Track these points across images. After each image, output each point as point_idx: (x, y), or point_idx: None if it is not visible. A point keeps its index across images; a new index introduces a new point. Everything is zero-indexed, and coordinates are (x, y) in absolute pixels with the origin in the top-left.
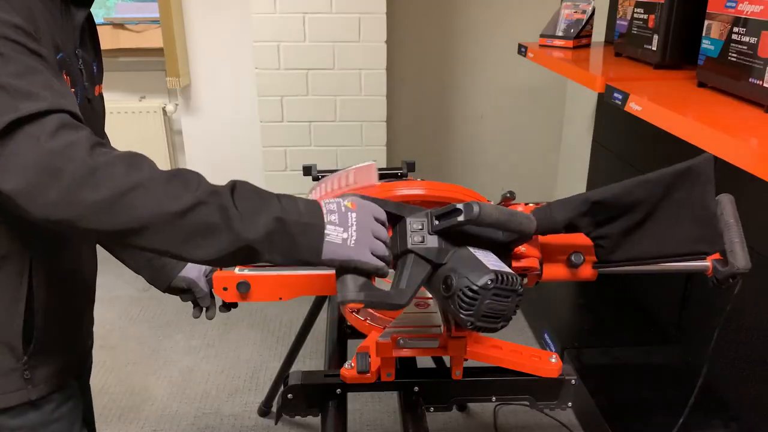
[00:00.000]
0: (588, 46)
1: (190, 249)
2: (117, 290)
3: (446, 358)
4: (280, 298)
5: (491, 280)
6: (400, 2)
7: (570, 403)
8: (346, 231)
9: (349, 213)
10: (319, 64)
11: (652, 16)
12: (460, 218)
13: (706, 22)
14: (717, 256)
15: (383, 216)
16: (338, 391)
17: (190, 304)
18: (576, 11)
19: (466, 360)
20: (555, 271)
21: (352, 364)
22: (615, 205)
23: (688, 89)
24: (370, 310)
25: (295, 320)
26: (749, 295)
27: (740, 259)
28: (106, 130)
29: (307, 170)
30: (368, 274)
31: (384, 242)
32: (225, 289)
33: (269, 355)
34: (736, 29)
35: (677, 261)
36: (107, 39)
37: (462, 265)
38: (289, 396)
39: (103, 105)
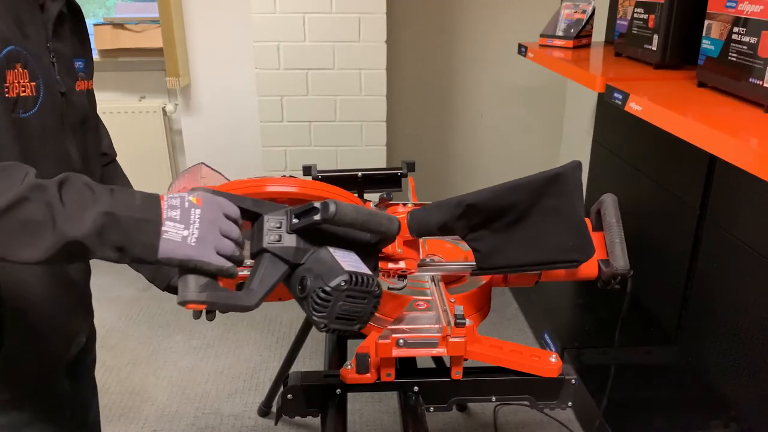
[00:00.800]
0: (588, 46)
1: (14, 250)
2: (117, 290)
3: (446, 358)
4: (280, 299)
5: (345, 281)
6: (400, 2)
7: (570, 403)
8: (187, 228)
9: (193, 209)
10: (319, 64)
11: (652, 16)
12: (317, 217)
13: (706, 22)
14: (604, 256)
15: (235, 212)
16: (338, 391)
17: None
18: (576, 11)
19: (466, 360)
20: (555, 271)
21: (352, 365)
22: (487, 208)
23: (688, 89)
24: None
25: (295, 320)
26: (749, 295)
27: (619, 259)
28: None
29: (307, 170)
30: (212, 274)
31: (235, 240)
32: None
33: (269, 355)
34: (736, 29)
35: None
36: (107, 39)
37: (318, 265)
38: (289, 396)
39: (88, 101)
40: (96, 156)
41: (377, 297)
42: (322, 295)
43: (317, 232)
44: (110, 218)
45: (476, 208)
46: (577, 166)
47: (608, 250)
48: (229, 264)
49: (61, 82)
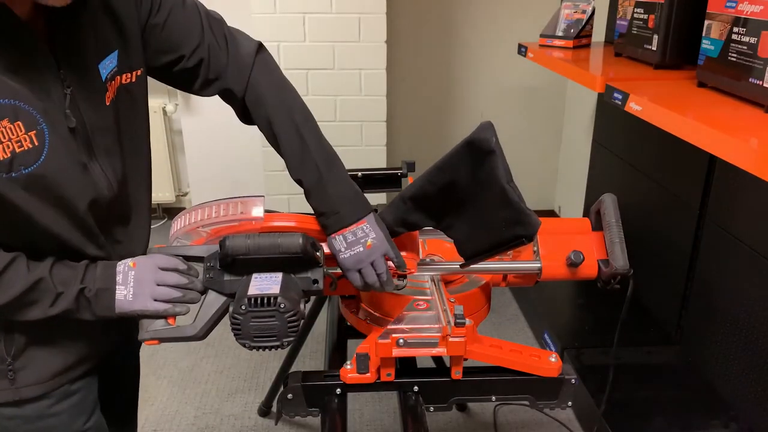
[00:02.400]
0: (588, 46)
1: (17, 316)
2: None
3: (446, 358)
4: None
5: (243, 305)
6: (400, 2)
7: (570, 403)
8: (126, 288)
9: (130, 272)
10: (319, 64)
11: (652, 16)
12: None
13: (706, 22)
14: (604, 256)
15: (171, 263)
16: (338, 391)
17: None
18: (576, 11)
19: (466, 360)
20: (555, 271)
21: (352, 364)
22: (427, 195)
23: (688, 89)
24: (370, 310)
25: None
26: (749, 295)
27: (619, 259)
28: None
29: None
30: (156, 317)
31: (174, 285)
32: None
33: (269, 355)
34: (736, 29)
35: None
36: None
37: (237, 293)
38: (289, 396)
39: (118, 108)
40: (139, 172)
41: (285, 313)
42: (232, 319)
43: (241, 263)
44: (82, 292)
45: (417, 199)
46: (486, 127)
47: (608, 250)
48: (166, 306)
49: (70, 116)
